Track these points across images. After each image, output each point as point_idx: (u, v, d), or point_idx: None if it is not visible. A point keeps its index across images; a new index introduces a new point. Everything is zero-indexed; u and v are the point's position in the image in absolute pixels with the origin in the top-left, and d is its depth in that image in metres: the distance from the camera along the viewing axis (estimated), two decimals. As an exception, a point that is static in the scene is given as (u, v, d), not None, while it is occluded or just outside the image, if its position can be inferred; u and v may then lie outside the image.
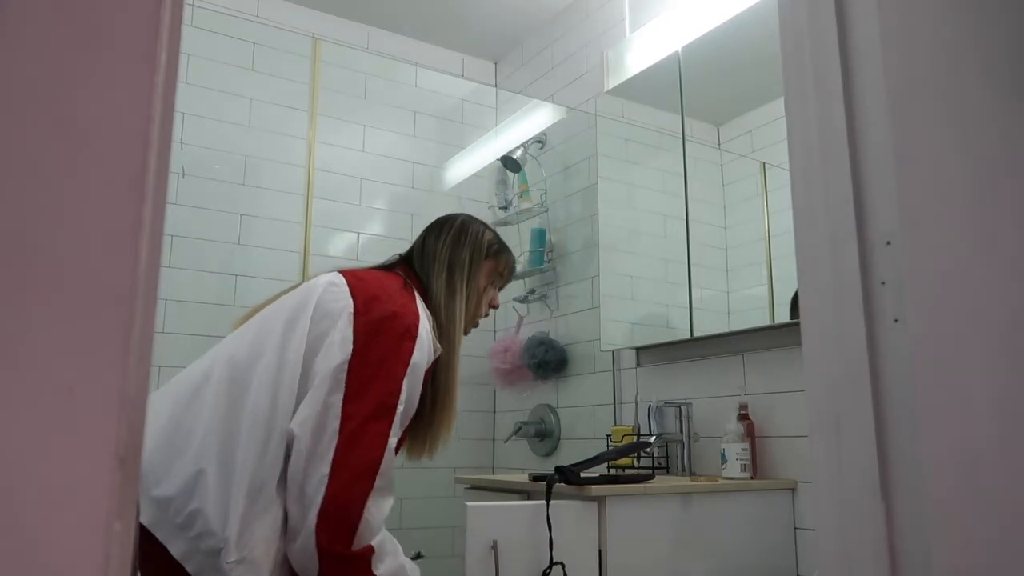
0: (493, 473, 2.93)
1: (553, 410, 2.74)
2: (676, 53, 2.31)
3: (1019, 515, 0.73)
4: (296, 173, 2.66)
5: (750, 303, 2.05)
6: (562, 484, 1.58)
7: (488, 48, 3.34)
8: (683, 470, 2.07)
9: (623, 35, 2.66)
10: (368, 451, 1.17)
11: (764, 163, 2.05)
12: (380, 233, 2.99)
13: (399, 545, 1.25)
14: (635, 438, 2.13)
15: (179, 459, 1.16)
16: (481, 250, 1.47)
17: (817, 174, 0.82)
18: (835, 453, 0.76)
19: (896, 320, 0.73)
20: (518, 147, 2.88)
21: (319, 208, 2.65)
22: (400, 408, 1.22)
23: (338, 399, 1.18)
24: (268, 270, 2.64)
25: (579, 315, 2.67)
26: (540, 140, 2.96)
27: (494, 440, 3.06)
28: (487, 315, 1.53)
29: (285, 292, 1.35)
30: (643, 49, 2.50)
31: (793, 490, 1.84)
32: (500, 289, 1.55)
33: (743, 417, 1.91)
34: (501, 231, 2.92)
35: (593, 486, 1.57)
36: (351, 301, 1.25)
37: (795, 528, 1.83)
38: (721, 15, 2.17)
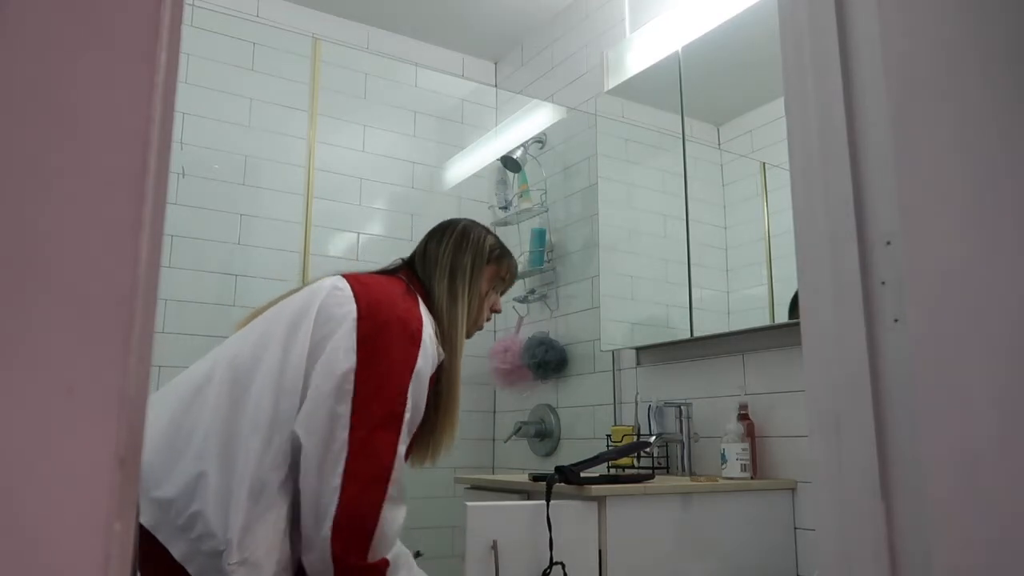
0: (493, 473, 2.93)
1: (553, 410, 2.74)
2: (676, 53, 2.31)
3: (1019, 515, 0.73)
4: (296, 173, 2.66)
5: (750, 303, 2.05)
6: (562, 484, 1.58)
7: (488, 48, 3.34)
8: (683, 470, 2.07)
9: (623, 35, 2.66)
10: (379, 460, 1.17)
11: (764, 163, 2.05)
12: (380, 233, 2.99)
13: (414, 561, 1.25)
14: (635, 438, 2.13)
15: (180, 461, 1.16)
16: (483, 255, 1.47)
17: (817, 174, 0.82)
18: (835, 453, 0.76)
19: (896, 320, 0.73)
20: (518, 147, 2.88)
21: (319, 208, 2.65)
22: (407, 416, 1.22)
23: (345, 409, 1.17)
24: (268, 270, 2.64)
25: (579, 315, 2.67)
26: (540, 140, 2.96)
27: (494, 440, 3.06)
28: (489, 320, 1.53)
29: (287, 295, 1.34)
30: (643, 49, 2.50)
31: (793, 490, 1.84)
32: (502, 294, 1.55)
33: (743, 417, 1.91)
34: (501, 231, 2.94)
35: (593, 486, 1.57)
36: (355, 306, 1.25)
37: (795, 528, 1.83)
38: (721, 15, 2.17)
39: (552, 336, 2.74)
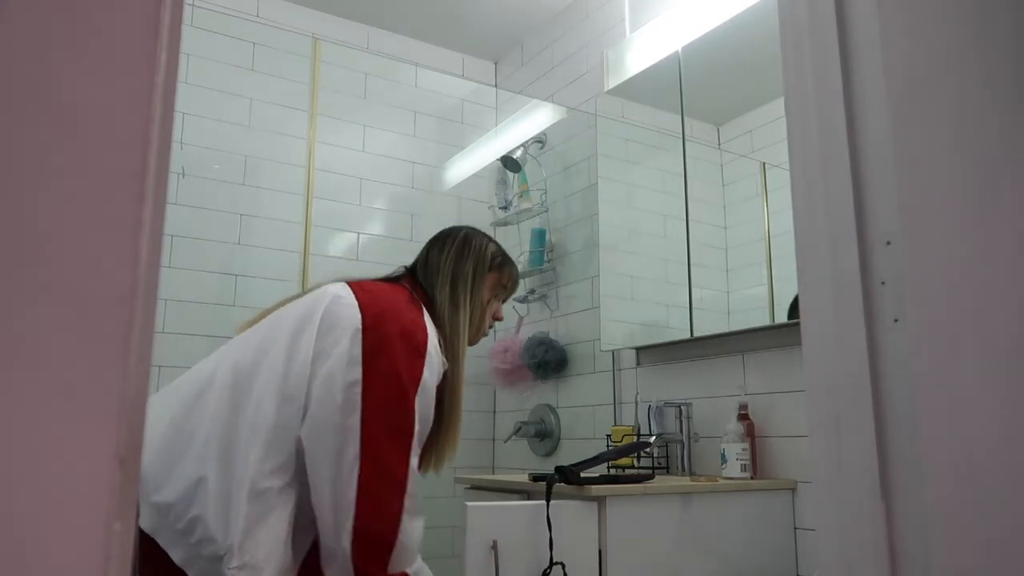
0: (493, 473, 2.93)
1: (553, 410, 2.74)
2: (676, 53, 2.31)
3: (1019, 515, 0.73)
4: (296, 173, 2.66)
5: (750, 303, 2.05)
6: (562, 484, 1.58)
7: (488, 48, 3.34)
8: (683, 470, 2.07)
9: (623, 35, 2.66)
10: (392, 475, 1.17)
11: (764, 163, 2.05)
12: (380, 233, 2.99)
13: None
14: (635, 438, 2.13)
15: (179, 464, 1.16)
16: (484, 263, 1.46)
17: (817, 174, 0.82)
18: (835, 453, 0.76)
19: (896, 320, 0.73)
20: (518, 147, 2.88)
21: (319, 208, 2.65)
22: (417, 428, 1.22)
23: (355, 422, 1.17)
24: (268, 270, 2.64)
25: (579, 315, 2.67)
26: (540, 140, 2.96)
27: (494, 440, 3.06)
28: (491, 327, 1.53)
29: (290, 299, 1.33)
30: (643, 49, 2.50)
31: (793, 490, 1.84)
32: (504, 302, 1.55)
33: (743, 417, 1.91)
34: (501, 231, 2.95)
35: (593, 486, 1.57)
36: (359, 316, 1.24)
37: (795, 528, 1.83)
38: (721, 15, 2.17)
39: (552, 336, 2.74)
